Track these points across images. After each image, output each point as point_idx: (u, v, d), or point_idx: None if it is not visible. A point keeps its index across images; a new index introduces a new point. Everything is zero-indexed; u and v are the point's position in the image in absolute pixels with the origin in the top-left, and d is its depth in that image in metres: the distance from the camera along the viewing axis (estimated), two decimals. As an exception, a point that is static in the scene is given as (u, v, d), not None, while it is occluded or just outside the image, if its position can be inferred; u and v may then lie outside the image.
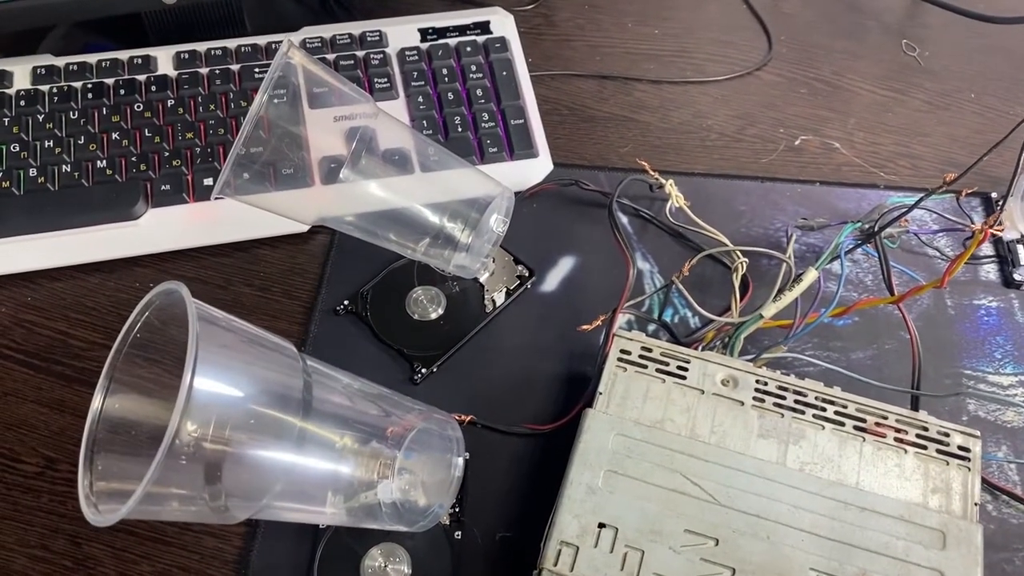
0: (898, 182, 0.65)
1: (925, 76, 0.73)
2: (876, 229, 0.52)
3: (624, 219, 0.63)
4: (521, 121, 0.64)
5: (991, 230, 0.45)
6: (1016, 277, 0.59)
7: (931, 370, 0.56)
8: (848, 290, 0.59)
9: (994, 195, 0.63)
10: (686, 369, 0.49)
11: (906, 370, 0.54)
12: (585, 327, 0.52)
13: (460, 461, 0.47)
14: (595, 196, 0.63)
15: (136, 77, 0.64)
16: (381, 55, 0.66)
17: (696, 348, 0.53)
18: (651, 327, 0.58)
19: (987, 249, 0.62)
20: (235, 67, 0.65)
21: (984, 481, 0.52)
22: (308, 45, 0.66)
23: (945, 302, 0.59)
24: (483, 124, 0.63)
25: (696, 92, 0.71)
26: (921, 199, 0.50)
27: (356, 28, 0.67)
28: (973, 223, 0.59)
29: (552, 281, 0.60)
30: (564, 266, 0.61)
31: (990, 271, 0.61)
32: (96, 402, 0.41)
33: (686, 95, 0.71)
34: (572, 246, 0.61)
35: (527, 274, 0.59)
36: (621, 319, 0.57)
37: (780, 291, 0.51)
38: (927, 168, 0.66)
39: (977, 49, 0.74)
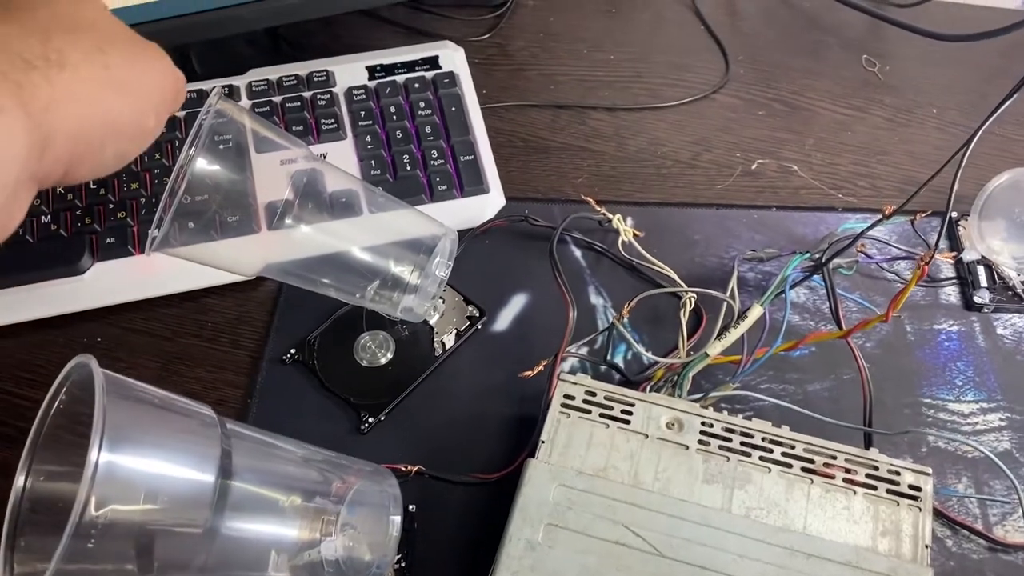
0: (856, 204, 0.64)
1: (886, 92, 0.71)
2: (823, 260, 0.51)
3: (577, 252, 0.62)
4: (471, 157, 0.63)
5: (927, 266, 0.44)
6: (977, 300, 0.58)
7: (889, 399, 0.55)
8: (805, 318, 0.58)
9: (954, 215, 0.62)
10: (630, 413, 0.48)
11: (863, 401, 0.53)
12: (527, 373, 0.51)
13: (398, 519, 0.46)
14: (546, 231, 0.62)
15: (81, 128, 0.63)
16: (328, 95, 0.65)
17: (645, 387, 0.52)
18: (602, 368, 0.56)
19: (947, 271, 0.60)
20: (180, 114, 0.64)
21: (943, 516, 0.50)
22: (254, 88, 0.65)
23: (904, 327, 0.58)
24: (432, 162, 0.63)
25: (652, 118, 0.70)
26: (864, 231, 0.49)
27: (303, 68, 0.67)
28: (928, 248, 0.57)
29: (504, 320, 0.59)
30: (516, 304, 0.60)
31: (951, 294, 0.59)
32: (19, 482, 0.41)
33: (642, 122, 0.70)
34: (524, 283, 0.60)
35: (478, 314, 0.58)
36: (572, 360, 0.56)
37: (725, 328, 0.50)
38: (886, 188, 0.65)
39: (939, 63, 0.73)
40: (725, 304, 0.52)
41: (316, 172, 0.57)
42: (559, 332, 0.55)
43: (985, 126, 0.46)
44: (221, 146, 0.51)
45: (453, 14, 0.78)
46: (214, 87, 0.48)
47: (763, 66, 0.73)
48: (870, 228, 0.49)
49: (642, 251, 0.58)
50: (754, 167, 0.67)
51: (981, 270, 0.59)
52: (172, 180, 0.45)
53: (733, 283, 0.51)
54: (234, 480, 0.41)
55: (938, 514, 0.50)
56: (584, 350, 0.57)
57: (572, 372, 0.55)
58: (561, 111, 0.71)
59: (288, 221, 0.54)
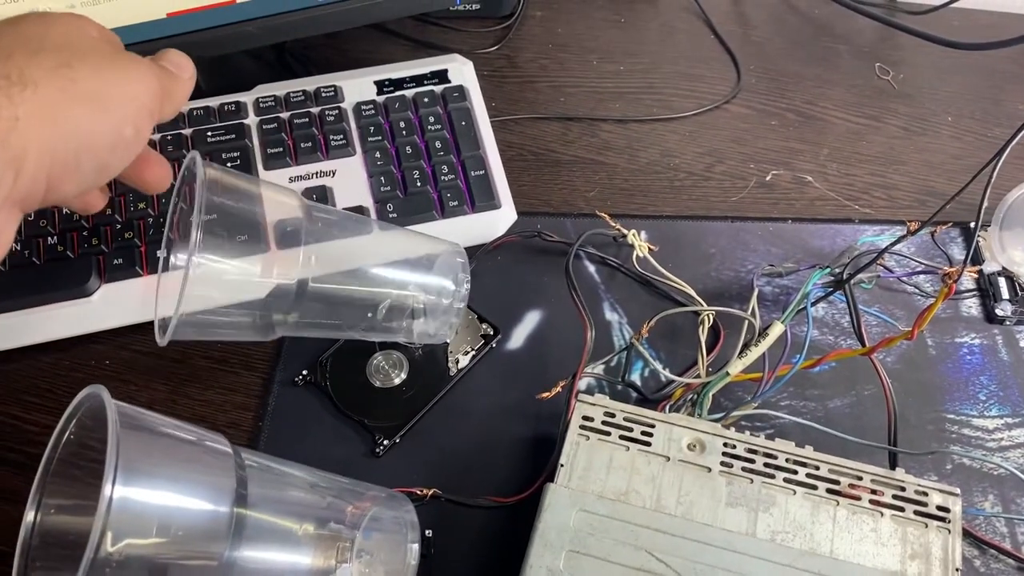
0: (873, 215, 0.63)
1: (900, 100, 0.71)
2: (844, 277, 0.50)
3: (591, 268, 0.61)
4: (482, 172, 0.62)
5: (955, 284, 0.43)
6: (999, 312, 0.57)
7: (912, 416, 0.54)
8: (824, 333, 0.57)
9: (973, 225, 0.61)
10: (651, 434, 0.47)
11: (886, 419, 0.52)
12: (545, 395, 0.50)
13: (415, 547, 0.46)
14: (559, 246, 0.61)
15: (87, 147, 0.62)
16: (336, 111, 0.64)
17: (664, 406, 0.51)
18: (619, 386, 0.56)
19: (968, 283, 0.59)
20: (187, 131, 0.64)
21: (971, 535, 0.49)
22: (262, 104, 0.65)
23: (926, 342, 0.57)
24: (443, 177, 0.62)
25: (663, 130, 0.69)
26: (885, 249, 0.49)
27: (311, 84, 0.66)
28: (950, 264, 0.57)
29: (518, 338, 0.58)
30: (530, 321, 0.59)
31: (972, 306, 0.58)
32: (29, 516, 0.40)
33: (653, 133, 0.69)
34: (538, 300, 0.59)
35: (492, 332, 0.57)
36: (588, 379, 0.56)
37: (746, 346, 0.49)
38: (903, 199, 0.64)
39: (953, 70, 0.72)
40: (746, 321, 0.51)
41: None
42: (575, 350, 0.54)
43: (1017, 139, 0.45)
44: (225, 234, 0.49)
45: (461, 26, 0.77)
46: (190, 155, 0.47)
47: (774, 75, 0.73)
48: (894, 244, 0.48)
49: (657, 266, 0.58)
50: (768, 178, 0.66)
51: (1002, 282, 0.58)
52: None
53: (754, 301, 0.50)
54: (249, 510, 0.40)
55: (966, 534, 0.49)
56: (600, 368, 0.56)
57: (589, 391, 0.55)
58: (571, 123, 0.70)
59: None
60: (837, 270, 0.53)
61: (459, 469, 0.53)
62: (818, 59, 0.74)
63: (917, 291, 0.59)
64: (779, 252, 0.61)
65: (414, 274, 0.52)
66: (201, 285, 0.46)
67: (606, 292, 0.60)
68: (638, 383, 0.55)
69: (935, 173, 0.66)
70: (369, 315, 0.52)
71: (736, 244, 0.62)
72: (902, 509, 0.45)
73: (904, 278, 0.58)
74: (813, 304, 0.50)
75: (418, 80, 0.67)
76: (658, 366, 0.50)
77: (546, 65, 0.74)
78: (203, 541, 0.38)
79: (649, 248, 0.60)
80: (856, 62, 0.73)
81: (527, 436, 0.54)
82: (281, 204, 0.50)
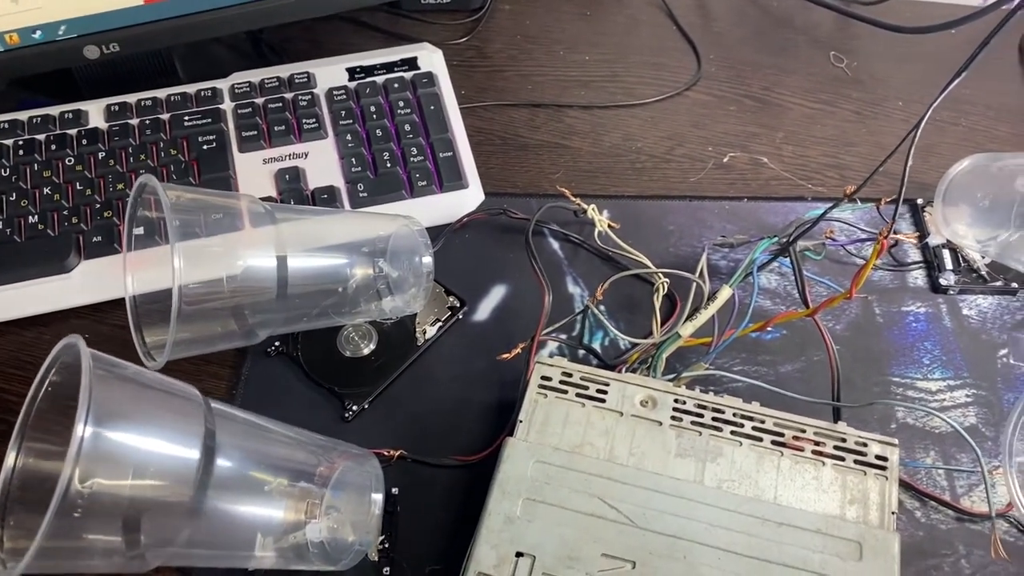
0: (825, 193, 0.66)
1: (853, 87, 0.74)
2: (789, 242, 0.53)
3: (555, 244, 0.64)
4: (450, 153, 0.65)
5: (886, 241, 0.46)
6: (942, 282, 0.60)
7: (859, 379, 0.56)
8: (776, 303, 0.60)
9: (920, 201, 0.64)
10: (605, 392, 0.50)
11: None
12: (505, 356, 0.52)
13: (379, 498, 0.48)
14: (524, 224, 0.63)
15: (67, 132, 0.65)
16: (309, 96, 0.67)
17: (621, 369, 0.54)
18: (581, 352, 0.58)
19: (915, 255, 0.62)
20: (165, 116, 0.66)
21: (913, 488, 0.52)
22: (237, 90, 0.67)
23: (874, 310, 0.60)
24: (412, 159, 0.64)
25: (626, 115, 0.72)
26: (827, 211, 0.51)
27: (284, 71, 0.68)
28: (895, 232, 0.59)
29: (484, 310, 0.60)
30: (496, 294, 0.61)
31: (918, 277, 0.61)
32: (9, 460, 0.42)
33: (617, 119, 0.72)
34: (503, 274, 0.62)
35: (458, 304, 0.60)
36: (552, 346, 0.58)
37: (696, 310, 0.52)
38: (855, 177, 0.67)
39: (904, 58, 0.75)
40: (696, 287, 0.53)
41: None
42: (538, 319, 0.57)
43: (929, 113, 0.49)
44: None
45: (432, 19, 0.79)
46: (139, 181, 0.50)
47: (734, 64, 0.75)
48: (832, 208, 0.51)
49: (617, 240, 0.60)
50: (726, 160, 0.68)
51: (946, 254, 0.61)
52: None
53: (702, 264, 0.53)
54: (219, 458, 0.42)
55: (907, 486, 0.52)
56: (563, 337, 0.58)
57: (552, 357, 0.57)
58: (538, 110, 0.72)
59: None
60: (784, 239, 0.55)
61: (426, 432, 0.55)
62: (776, 49, 0.77)
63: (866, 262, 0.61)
64: (735, 228, 0.64)
65: (378, 251, 0.55)
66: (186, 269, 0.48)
67: (569, 267, 0.62)
68: (598, 350, 0.58)
69: (885, 153, 0.68)
70: (340, 290, 0.54)
71: (694, 221, 0.65)
72: (843, 459, 0.47)
73: (851, 248, 0.61)
74: (760, 269, 0.52)
75: (388, 67, 0.69)
76: (612, 328, 0.53)
77: (514, 55, 0.77)
78: (171, 483, 0.40)
79: (610, 225, 0.62)
80: (812, 51, 0.76)
81: (491, 401, 0.56)
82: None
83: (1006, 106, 0.72)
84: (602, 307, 0.60)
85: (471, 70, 0.76)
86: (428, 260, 0.55)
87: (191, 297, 0.49)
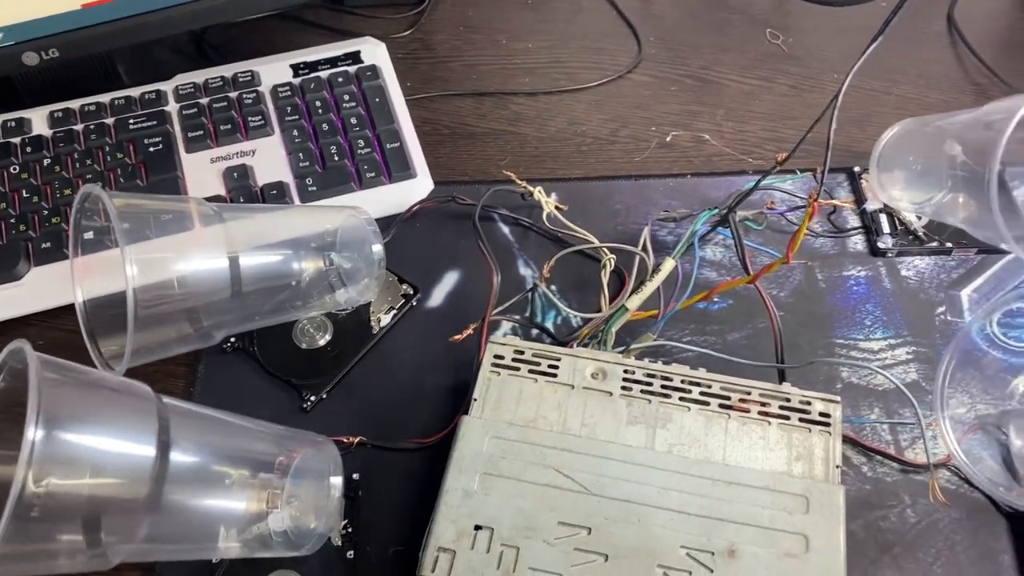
0: (765, 166, 0.67)
1: (790, 62, 0.75)
2: (728, 211, 0.54)
3: (505, 228, 0.65)
4: (397, 144, 0.65)
5: (816, 203, 0.47)
6: (880, 245, 0.62)
7: (804, 343, 0.58)
8: (722, 274, 0.61)
9: (857, 169, 0.66)
10: (557, 367, 0.51)
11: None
12: (457, 337, 0.53)
13: (338, 482, 0.48)
14: (473, 210, 0.64)
15: (10, 140, 0.64)
16: (254, 94, 0.67)
17: (572, 345, 0.55)
18: (534, 332, 0.59)
19: (854, 221, 0.64)
20: (109, 120, 0.66)
21: (859, 444, 0.53)
22: (181, 91, 0.67)
23: (816, 276, 0.61)
24: (359, 151, 0.65)
25: (571, 100, 0.73)
26: (759, 180, 0.52)
27: (228, 71, 0.69)
28: (829, 197, 0.61)
29: (438, 296, 0.61)
30: (449, 281, 0.62)
31: (857, 242, 0.63)
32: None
33: (561, 104, 0.73)
34: (455, 260, 0.63)
35: (412, 292, 0.60)
36: (507, 326, 0.59)
37: (641, 283, 0.53)
38: (798, 150, 0.68)
39: (838, 31, 0.77)
40: (639, 261, 0.54)
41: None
42: (497, 302, 0.58)
43: (848, 82, 0.52)
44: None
45: (375, 13, 0.80)
46: (82, 190, 0.50)
47: (673, 45, 0.77)
48: (765, 177, 0.53)
49: (565, 220, 0.61)
50: (668, 139, 0.70)
51: (883, 218, 0.63)
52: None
53: (643, 237, 0.54)
54: (176, 453, 0.43)
55: (854, 442, 0.53)
56: (517, 317, 0.59)
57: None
58: (484, 98, 0.73)
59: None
60: (724, 211, 0.57)
61: (385, 418, 0.56)
62: (714, 28, 0.78)
63: (808, 232, 0.63)
64: (679, 204, 0.65)
65: (328, 243, 0.56)
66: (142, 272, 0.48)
67: (519, 249, 0.63)
68: (551, 329, 0.59)
69: (822, 125, 0.70)
70: (295, 286, 0.55)
71: (639, 200, 0.66)
72: (788, 418, 0.49)
73: (790, 216, 0.62)
74: (702, 240, 0.54)
75: (332, 62, 0.70)
76: (561, 305, 0.54)
77: (458, 46, 0.78)
78: (127, 480, 0.40)
79: (558, 207, 0.63)
80: (749, 29, 0.78)
81: (447, 383, 0.57)
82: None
83: (936, 74, 0.74)
84: (553, 287, 0.61)
85: (416, 62, 0.76)
86: (378, 248, 0.56)
87: (145, 303, 0.50)
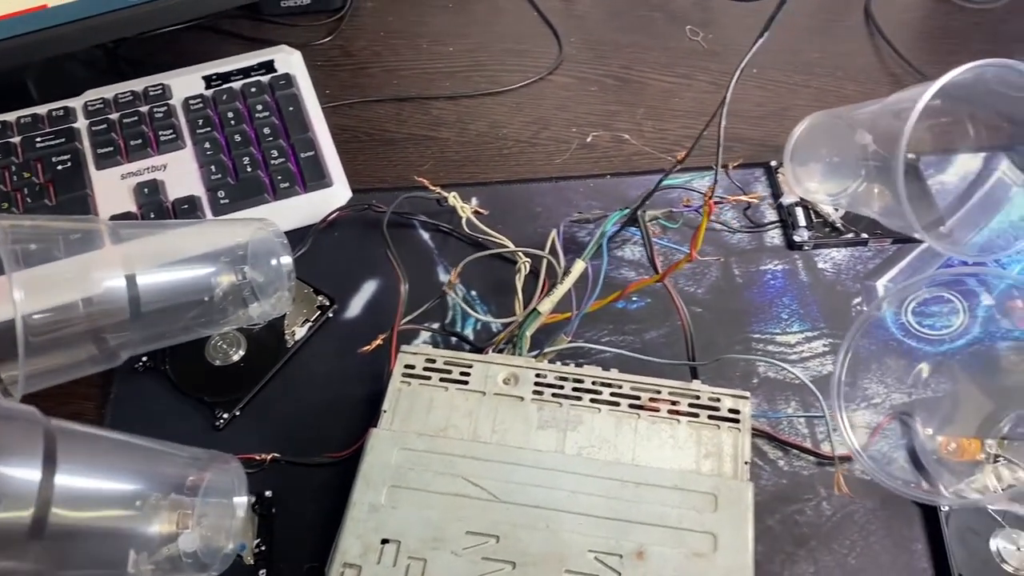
0: (685, 164, 0.67)
1: (709, 59, 0.76)
2: (637, 212, 0.54)
3: (425, 235, 0.64)
4: (312, 153, 0.65)
5: (712, 201, 0.47)
6: (796, 239, 0.62)
7: (722, 339, 0.58)
8: (640, 273, 0.61)
9: (773, 163, 0.66)
10: (468, 374, 0.50)
11: (698, 343, 0.56)
12: (366, 348, 0.52)
13: (242, 500, 0.47)
14: (391, 217, 0.64)
15: (-87, 162, 0.63)
16: (165, 108, 0.66)
17: (488, 350, 0.54)
18: (454, 340, 0.58)
19: (771, 215, 0.64)
20: (16, 139, 0.64)
21: (775, 438, 0.54)
22: (90, 107, 0.66)
23: (733, 271, 0.61)
24: (273, 161, 0.64)
25: (492, 103, 0.73)
26: (660, 181, 0.53)
27: (139, 84, 0.67)
28: (744, 193, 0.61)
29: (355, 306, 0.60)
30: (367, 290, 0.61)
31: (775, 236, 0.63)
32: None
33: (482, 107, 0.73)
34: (373, 269, 0.62)
35: (328, 303, 0.60)
36: (425, 335, 0.58)
37: (553, 286, 0.53)
38: (712, 146, 0.67)
39: (756, 27, 0.77)
40: (551, 264, 0.54)
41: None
42: (410, 311, 0.57)
43: (737, 75, 0.52)
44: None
45: (294, 21, 0.79)
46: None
47: (594, 45, 0.77)
48: (666, 176, 0.53)
49: (482, 226, 0.61)
50: (589, 139, 0.70)
51: (799, 211, 0.63)
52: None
53: (550, 240, 0.54)
54: (65, 476, 0.42)
55: (770, 437, 0.54)
56: (435, 326, 0.59)
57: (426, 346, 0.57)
58: (404, 104, 0.73)
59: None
60: (633, 211, 0.56)
61: (300, 433, 0.55)
62: (635, 27, 0.78)
63: (725, 228, 0.63)
64: (599, 205, 0.65)
65: (237, 258, 0.55)
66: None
67: (440, 256, 0.63)
68: (470, 336, 0.58)
69: (741, 121, 0.71)
70: (204, 303, 0.54)
71: (560, 201, 0.66)
72: (697, 415, 0.49)
73: (698, 211, 0.62)
74: (612, 238, 0.53)
75: (245, 72, 0.69)
76: (470, 309, 0.53)
77: (379, 51, 0.77)
78: (10, 506, 0.39)
79: (477, 211, 0.63)
80: (669, 27, 0.78)
81: (364, 395, 0.56)
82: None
83: (853, 65, 0.74)
84: (473, 292, 0.60)
85: (336, 69, 0.76)
86: (287, 260, 0.55)
87: (39, 327, 0.49)
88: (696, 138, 0.52)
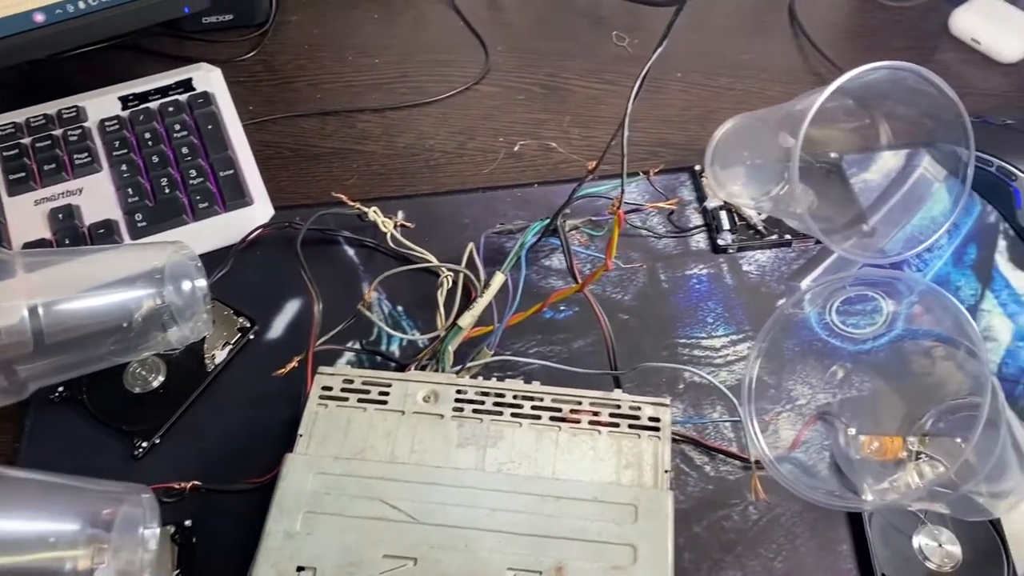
0: (611, 171, 0.66)
1: (635, 63, 0.75)
2: (556, 221, 0.54)
3: (350, 251, 0.63)
4: (231, 172, 0.64)
5: (620, 210, 0.47)
6: (720, 242, 0.62)
7: (648, 346, 0.58)
8: (568, 282, 0.61)
9: (698, 167, 0.66)
10: (387, 393, 0.50)
11: (626, 350, 0.56)
12: (280, 372, 0.51)
13: (155, 532, 0.46)
14: (315, 235, 0.63)
15: None
16: (80, 130, 0.64)
17: (411, 367, 0.54)
18: (379, 359, 0.58)
19: (696, 220, 0.64)
20: (-78, 166, 0.62)
21: (701, 444, 0.54)
22: (1, 132, 0.64)
23: (660, 277, 0.61)
24: (191, 181, 0.63)
25: (418, 115, 0.72)
26: (575, 190, 0.52)
27: (52, 107, 0.66)
28: (668, 199, 0.62)
29: (278, 327, 0.59)
30: (290, 310, 0.60)
31: (700, 241, 0.63)
32: None
33: (409, 119, 0.72)
34: (296, 288, 0.61)
35: (249, 324, 0.59)
36: (349, 355, 0.57)
37: (474, 299, 0.52)
38: (638, 152, 0.69)
39: (680, 30, 0.77)
40: (471, 278, 0.54)
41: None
42: (332, 328, 0.56)
43: (640, 81, 0.50)
44: None
45: (217, 38, 0.78)
46: None
47: (521, 53, 0.76)
48: (580, 185, 0.53)
49: (404, 240, 0.60)
50: (516, 148, 0.69)
51: (723, 215, 0.63)
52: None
53: (467, 253, 0.53)
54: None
55: (696, 443, 0.54)
56: (358, 346, 0.58)
57: (350, 366, 0.57)
58: (329, 117, 0.72)
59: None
60: (561, 221, 0.56)
61: (221, 459, 0.54)
62: (561, 34, 0.78)
63: (651, 234, 0.63)
64: (527, 214, 0.64)
65: (149, 284, 0.53)
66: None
67: (365, 272, 0.62)
68: (396, 354, 0.58)
69: (667, 126, 0.71)
70: (119, 330, 0.53)
71: (488, 212, 0.65)
72: (618, 425, 0.48)
73: (642, 217, 0.62)
74: (538, 249, 0.53)
75: (163, 91, 0.67)
76: (383, 326, 0.53)
77: (303, 65, 0.76)
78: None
79: (404, 225, 0.62)
80: (596, 33, 0.78)
81: (287, 418, 0.55)
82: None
83: (778, 66, 0.75)
84: (399, 308, 0.60)
85: (259, 84, 0.75)
86: (202, 284, 0.54)
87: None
88: (605, 148, 0.52)
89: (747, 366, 0.49)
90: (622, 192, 0.50)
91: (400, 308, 0.60)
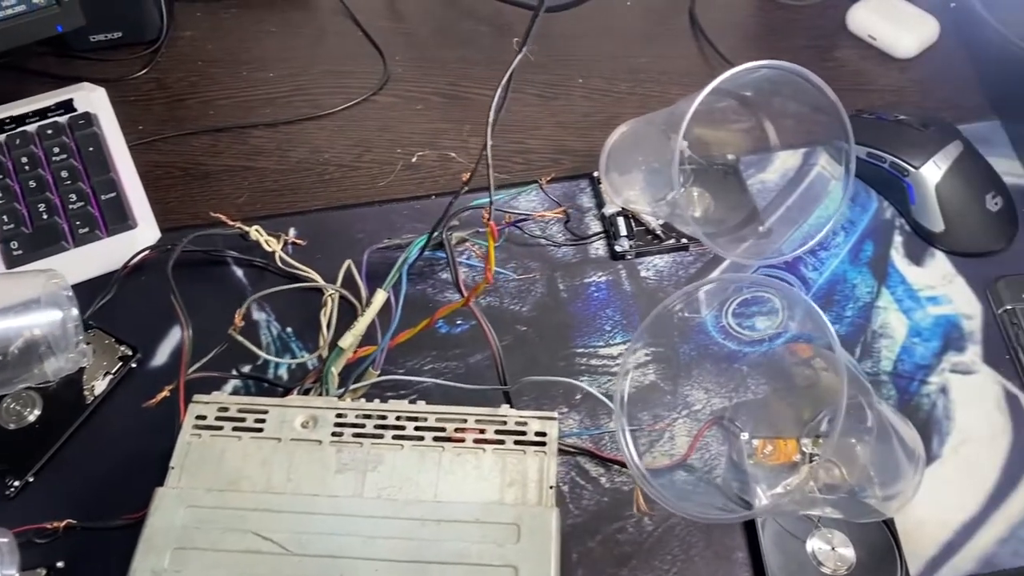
0: (511, 180, 0.66)
1: (536, 71, 0.75)
2: (444, 235, 0.53)
3: (239, 272, 0.61)
4: (114, 194, 0.61)
5: (491, 222, 0.46)
6: (618, 248, 0.61)
7: (545, 357, 0.57)
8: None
9: (596, 174, 0.65)
10: (264, 420, 0.48)
11: (522, 362, 0.55)
12: (150, 402, 0.49)
13: (11, 574, 0.44)
14: (202, 257, 0.61)
15: None
16: (-49, 156, 0.62)
17: (294, 393, 0.52)
18: (265, 384, 0.56)
19: (595, 227, 0.63)
20: None
21: (596, 456, 0.53)
22: None
23: (558, 286, 0.60)
24: (72, 206, 0.60)
25: (313, 128, 0.70)
26: (450, 203, 0.51)
27: (-80, 134, 0.63)
28: (560, 206, 0.61)
29: (163, 354, 0.57)
30: (175, 336, 0.58)
31: (599, 248, 0.62)
32: None
33: (303, 133, 0.70)
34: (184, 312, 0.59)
35: (130, 353, 0.56)
36: (235, 382, 0.56)
37: (356, 319, 0.51)
38: (539, 160, 0.68)
39: (580, 35, 0.77)
40: (338, 297, 0.52)
41: None
42: (219, 355, 0.54)
43: (500, 88, 0.49)
44: None
45: (106, 56, 0.75)
46: None
47: (420, 63, 0.75)
48: (456, 197, 0.52)
49: (289, 259, 0.59)
50: (414, 160, 0.68)
51: (621, 221, 0.62)
52: None
53: (343, 270, 0.52)
54: None
55: (592, 454, 0.53)
56: (245, 371, 0.56)
57: (236, 393, 0.55)
58: (221, 134, 0.70)
59: None
60: (447, 233, 0.55)
61: (100, 495, 0.52)
62: (461, 42, 0.77)
63: (550, 243, 0.62)
64: (424, 227, 0.63)
65: (19, 316, 0.51)
66: None
67: (253, 293, 0.60)
68: (284, 377, 0.56)
69: (567, 132, 0.70)
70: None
71: (383, 226, 0.64)
72: (503, 442, 0.47)
73: (541, 226, 0.62)
74: (411, 265, 0.52)
75: (42, 113, 0.65)
76: (256, 350, 0.51)
77: (196, 82, 0.74)
78: None
79: (293, 242, 0.61)
80: (496, 40, 0.77)
81: (167, 450, 0.52)
82: None
83: (678, 69, 0.74)
84: (289, 329, 0.58)
85: (150, 103, 0.72)
86: (74, 314, 0.52)
87: None
88: (478, 159, 0.51)
89: (619, 372, 0.48)
90: (491, 204, 0.49)
91: (289, 329, 0.58)
